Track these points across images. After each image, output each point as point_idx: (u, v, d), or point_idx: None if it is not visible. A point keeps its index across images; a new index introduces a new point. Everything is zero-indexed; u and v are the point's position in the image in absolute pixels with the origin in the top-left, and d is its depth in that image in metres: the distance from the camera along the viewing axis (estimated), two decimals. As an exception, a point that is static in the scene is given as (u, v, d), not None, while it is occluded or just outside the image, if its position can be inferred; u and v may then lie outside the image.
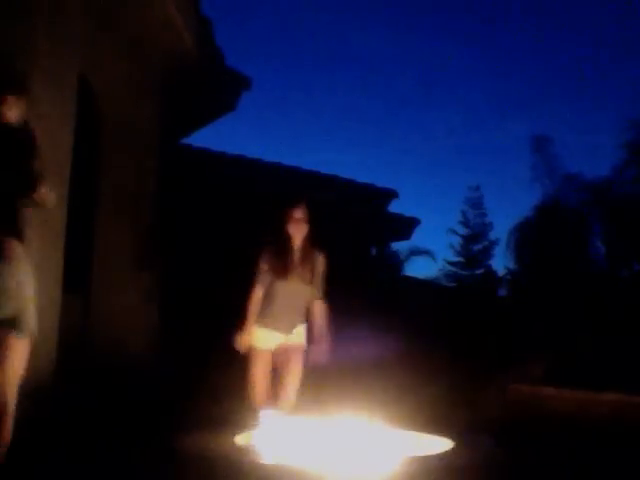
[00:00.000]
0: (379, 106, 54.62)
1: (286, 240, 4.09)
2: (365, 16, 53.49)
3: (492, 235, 22.73)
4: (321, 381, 4.69)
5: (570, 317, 9.80)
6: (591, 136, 43.46)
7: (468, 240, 23.09)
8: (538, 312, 10.32)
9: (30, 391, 3.13)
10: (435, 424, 3.75)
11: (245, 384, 4.03)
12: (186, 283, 8.64)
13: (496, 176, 38.52)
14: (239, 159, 10.50)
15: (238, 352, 4.05)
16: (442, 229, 33.81)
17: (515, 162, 43.59)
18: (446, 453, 2.91)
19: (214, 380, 5.74)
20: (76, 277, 6.24)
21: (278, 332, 4.06)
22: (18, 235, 2.97)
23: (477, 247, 23.03)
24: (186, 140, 10.02)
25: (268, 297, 4.06)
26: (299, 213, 4.09)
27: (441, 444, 3.09)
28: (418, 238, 37.05)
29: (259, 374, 4.03)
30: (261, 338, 4.05)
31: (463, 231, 23.29)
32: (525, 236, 12.38)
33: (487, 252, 22.78)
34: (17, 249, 2.93)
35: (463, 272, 22.28)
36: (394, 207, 12.73)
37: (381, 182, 17.01)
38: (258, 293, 4.07)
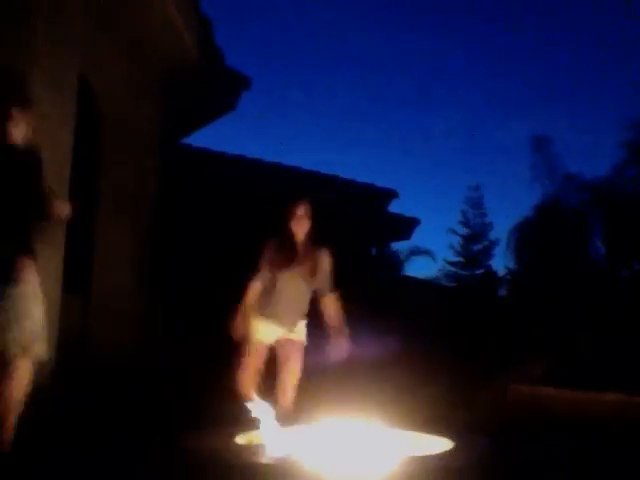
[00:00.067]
0: (379, 106, 54.80)
1: (289, 236, 4.13)
2: (365, 16, 53.63)
3: (492, 235, 22.82)
4: (320, 381, 4.69)
5: (570, 317, 9.80)
6: (591, 136, 43.55)
7: (468, 240, 23.10)
8: (538, 312, 10.32)
9: (30, 391, 3.14)
10: (434, 424, 3.75)
11: (234, 374, 4.02)
12: (186, 283, 8.65)
13: (496, 176, 38.69)
14: (239, 159, 10.51)
15: (238, 352, 4.05)
16: (442, 229, 33.96)
17: (515, 162, 43.78)
18: (445, 453, 2.91)
19: (214, 380, 5.73)
20: (76, 277, 6.24)
21: (278, 326, 4.07)
22: (31, 253, 3.03)
23: (477, 247, 23.06)
24: (186, 140, 10.04)
25: (269, 292, 4.08)
26: (301, 210, 4.15)
27: (440, 444, 3.09)
28: (418, 238, 37.19)
29: (250, 364, 4.04)
30: (260, 330, 4.06)
31: (463, 231, 23.36)
32: (525, 236, 12.39)
33: (487, 252, 22.81)
34: (29, 268, 2.99)
35: (463, 272, 22.30)
36: (394, 207, 12.77)
37: (381, 182, 17.08)
38: (256, 285, 4.09)
